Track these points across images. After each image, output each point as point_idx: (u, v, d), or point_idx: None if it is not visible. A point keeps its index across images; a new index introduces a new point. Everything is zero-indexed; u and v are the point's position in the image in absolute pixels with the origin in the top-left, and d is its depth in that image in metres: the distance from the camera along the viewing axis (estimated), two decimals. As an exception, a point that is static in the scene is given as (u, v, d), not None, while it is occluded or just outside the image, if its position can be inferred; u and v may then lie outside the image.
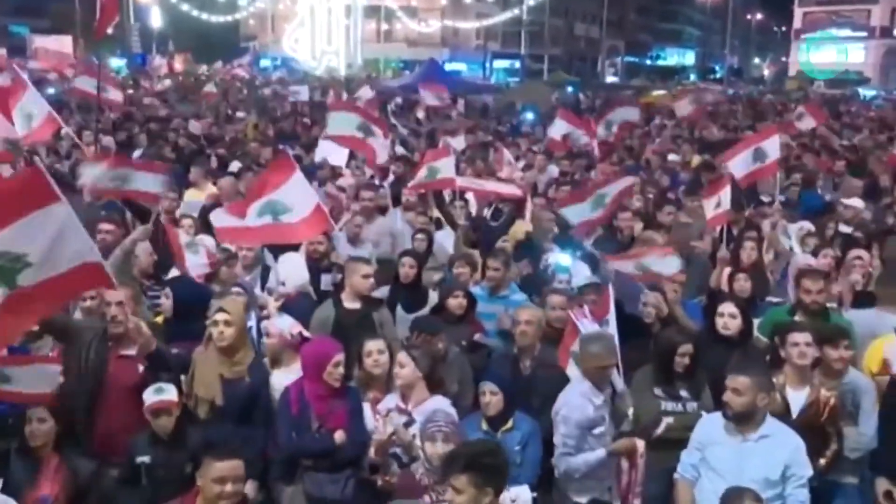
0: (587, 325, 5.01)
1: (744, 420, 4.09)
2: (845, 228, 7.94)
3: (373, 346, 4.76)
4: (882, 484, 4.64)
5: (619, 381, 4.83)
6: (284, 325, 5.07)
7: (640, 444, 4.66)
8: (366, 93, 18.85)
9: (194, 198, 8.54)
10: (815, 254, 6.80)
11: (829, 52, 55.78)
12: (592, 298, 5.46)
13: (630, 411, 4.72)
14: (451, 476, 3.37)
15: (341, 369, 4.55)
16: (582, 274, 6.31)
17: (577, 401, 4.56)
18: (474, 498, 3.33)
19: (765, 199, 9.33)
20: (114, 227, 6.39)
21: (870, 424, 4.75)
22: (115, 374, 4.51)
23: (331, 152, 10.68)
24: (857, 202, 8.55)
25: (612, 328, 5.08)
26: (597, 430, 4.58)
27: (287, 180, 6.21)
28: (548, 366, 5.10)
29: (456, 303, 5.68)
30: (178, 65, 33.11)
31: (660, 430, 4.76)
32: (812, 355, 4.69)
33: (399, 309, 6.03)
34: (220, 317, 4.66)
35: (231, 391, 4.63)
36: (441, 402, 4.43)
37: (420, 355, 4.57)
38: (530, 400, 4.82)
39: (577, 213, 6.56)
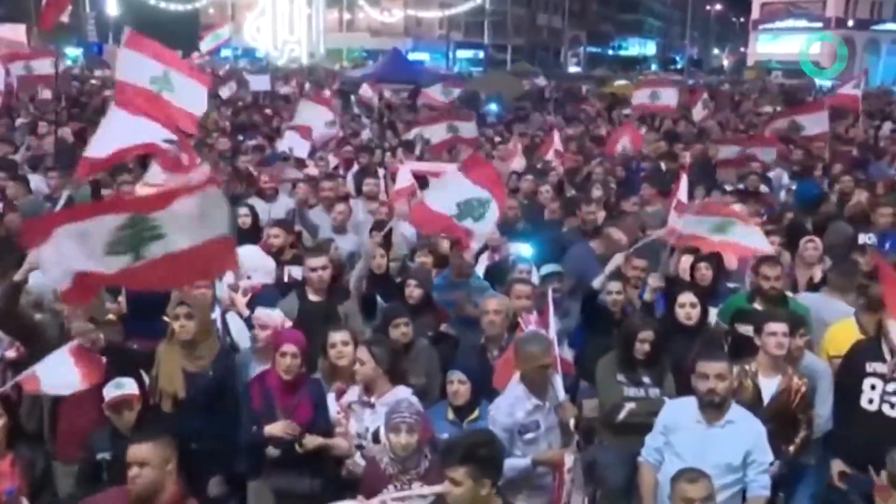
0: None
1: (721, 405, 4.14)
2: None
3: (337, 337, 4.73)
4: (836, 465, 4.77)
5: (560, 391, 4.67)
6: (277, 318, 4.99)
7: (569, 459, 4.39)
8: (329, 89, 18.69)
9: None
10: None
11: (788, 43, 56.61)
12: (555, 287, 5.47)
13: (571, 423, 4.59)
14: (448, 468, 3.33)
15: (289, 360, 4.49)
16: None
17: (506, 404, 4.45)
18: (472, 490, 3.29)
19: (728, 187, 9.48)
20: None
21: (827, 406, 4.87)
22: None
23: (294, 143, 10.57)
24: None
25: (553, 334, 4.88)
26: (528, 436, 4.41)
27: None
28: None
29: (408, 291, 5.64)
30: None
31: (622, 415, 4.81)
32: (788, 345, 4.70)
33: (379, 300, 5.92)
34: (181, 310, 4.59)
35: (194, 385, 4.56)
36: (404, 393, 4.42)
37: (379, 351, 4.50)
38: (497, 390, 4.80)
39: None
